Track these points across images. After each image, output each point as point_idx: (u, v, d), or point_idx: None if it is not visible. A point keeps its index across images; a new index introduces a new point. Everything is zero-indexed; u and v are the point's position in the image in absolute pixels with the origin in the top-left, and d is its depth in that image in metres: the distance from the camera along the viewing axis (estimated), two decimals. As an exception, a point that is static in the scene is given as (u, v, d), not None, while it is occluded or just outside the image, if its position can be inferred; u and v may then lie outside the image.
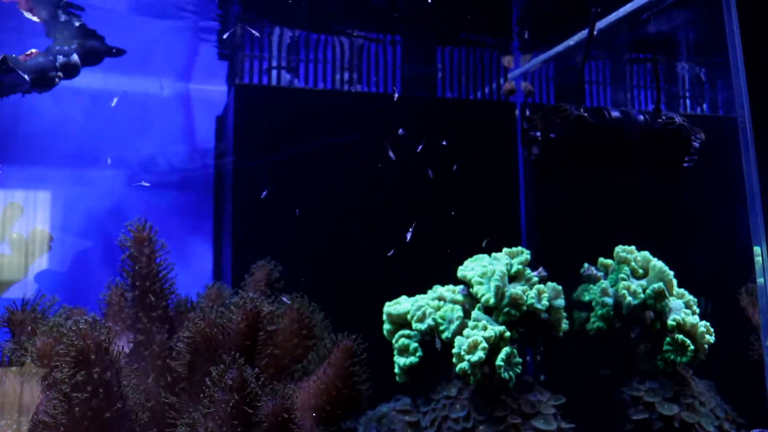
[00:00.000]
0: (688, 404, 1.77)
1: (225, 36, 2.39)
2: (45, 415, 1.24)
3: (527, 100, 2.71)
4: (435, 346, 1.76)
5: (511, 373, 1.67)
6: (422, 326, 1.77)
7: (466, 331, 1.70)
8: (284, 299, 1.77)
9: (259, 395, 1.29)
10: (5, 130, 2.46)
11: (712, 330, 1.83)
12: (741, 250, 1.64)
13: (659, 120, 1.97)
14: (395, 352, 1.82)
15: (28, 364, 1.39)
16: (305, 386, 1.69)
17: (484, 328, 1.69)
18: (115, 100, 2.06)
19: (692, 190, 2.35)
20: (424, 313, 1.78)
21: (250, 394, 1.27)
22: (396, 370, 1.81)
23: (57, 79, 2.18)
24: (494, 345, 1.67)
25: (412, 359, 1.78)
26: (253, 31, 2.10)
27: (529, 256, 1.88)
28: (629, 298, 1.85)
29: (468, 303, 1.82)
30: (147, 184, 2.04)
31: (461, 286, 1.87)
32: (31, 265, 1.82)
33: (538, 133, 1.95)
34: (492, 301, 1.74)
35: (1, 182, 2.47)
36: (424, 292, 1.91)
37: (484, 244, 2.05)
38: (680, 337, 1.80)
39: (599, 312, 1.89)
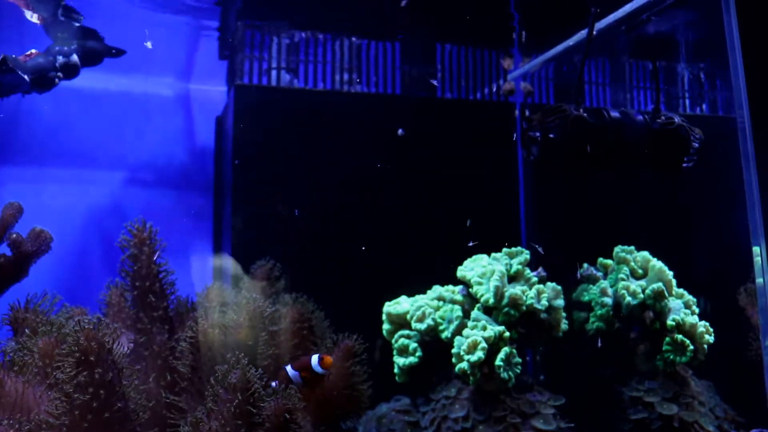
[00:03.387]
0: (688, 404, 1.77)
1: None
2: (46, 415, 1.24)
3: (527, 100, 2.71)
4: (434, 346, 1.76)
5: (510, 373, 1.68)
6: (422, 326, 1.77)
7: (465, 331, 1.70)
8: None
9: (263, 395, 1.29)
10: (5, 130, 2.45)
11: (711, 330, 1.83)
12: (740, 250, 1.64)
13: (658, 120, 1.97)
14: (395, 352, 1.82)
15: (29, 364, 1.39)
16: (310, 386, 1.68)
17: (484, 329, 1.69)
18: (149, 43, 2.05)
19: (691, 190, 2.35)
20: (423, 313, 1.78)
21: (254, 394, 1.27)
22: (395, 370, 1.82)
23: (57, 80, 2.18)
24: (494, 345, 1.67)
25: (412, 359, 1.78)
26: None
27: (528, 257, 1.89)
28: (629, 298, 1.85)
29: (467, 303, 1.82)
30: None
31: (461, 287, 1.87)
32: (30, 265, 1.82)
33: (538, 134, 1.95)
34: (491, 301, 1.75)
35: (1, 182, 2.47)
36: (424, 293, 1.91)
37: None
38: (680, 337, 1.80)
39: (598, 312, 1.90)
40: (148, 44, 2.05)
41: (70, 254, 2.51)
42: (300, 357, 1.59)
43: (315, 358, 1.52)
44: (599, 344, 1.89)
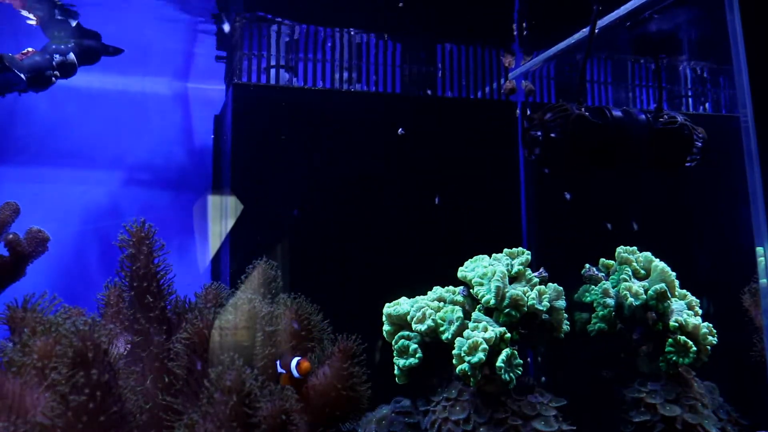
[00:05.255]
0: (691, 406, 1.75)
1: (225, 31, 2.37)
2: (42, 416, 1.23)
3: (528, 99, 2.70)
4: (435, 347, 1.74)
5: (511, 374, 1.66)
6: (422, 327, 1.75)
7: (466, 333, 1.69)
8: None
9: (258, 396, 1.28)
10: (2, 129, 2.45)
11: (714, 331, 1.82)
12: (744, 250, 1.63)
13: (661, 119, 1.96)
14: (395, 354, 1.80)
15: (27, 365, 1.38)
16: (304, 387, 1.67)
17: (485, 330, 1.67)
18: None
19: (694, 190, 2.34)
20: (424, 315, 1.76)
21: (249, 396, 1.25)
22: (395, 371, 1.80)
23: (54, 78, 2.17)
24: (495, 346, 1.66)
25: (412, 360, 1.76)
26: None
27: (529, 257, 1.87)
28: (631, 299, 1.84)
29: (468, 304, 1.81)
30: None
31: (461, 287, 1.86)
32: (27, 265, 1.81)
33: (539, 133, 1.93)
34: (492, 302, 1.73)
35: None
36: (424, 293, 1.90)
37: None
38: (682, 338, 1.78)
39: (601, 313, 1.88)
40: None
41: (68, 254, 2.51)
42: (288, 355, 1.58)
43: (294, 362, 1.51)
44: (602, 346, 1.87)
